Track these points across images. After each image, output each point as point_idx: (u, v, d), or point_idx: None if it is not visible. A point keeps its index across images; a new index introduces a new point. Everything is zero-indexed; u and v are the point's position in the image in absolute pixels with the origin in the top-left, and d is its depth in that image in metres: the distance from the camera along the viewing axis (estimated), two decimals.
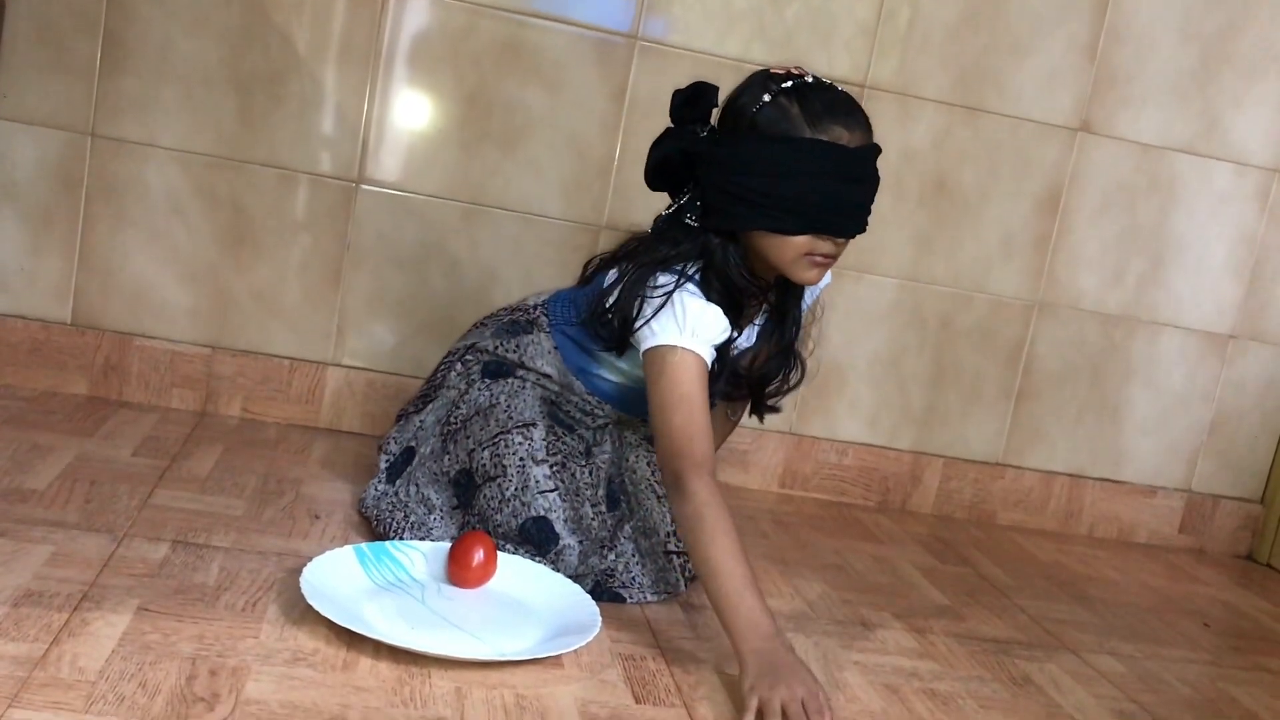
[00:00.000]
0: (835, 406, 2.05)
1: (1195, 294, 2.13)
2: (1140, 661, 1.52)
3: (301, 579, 1.18)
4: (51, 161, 1.78)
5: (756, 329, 1.50)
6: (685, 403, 1.31)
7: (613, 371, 1.50)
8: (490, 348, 1.54)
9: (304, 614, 1.15)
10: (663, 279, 1.35)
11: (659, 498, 1.44)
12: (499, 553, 1.33)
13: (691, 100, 1.37)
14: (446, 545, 1.34)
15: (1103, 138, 2.04)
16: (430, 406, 1.56)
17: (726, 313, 1.36)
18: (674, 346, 1.33)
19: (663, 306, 1.34)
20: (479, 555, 1.28)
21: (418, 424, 1.55)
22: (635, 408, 1.53)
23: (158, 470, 1.54)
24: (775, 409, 1.55)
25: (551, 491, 1.38)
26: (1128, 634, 1.63)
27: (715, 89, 1.37)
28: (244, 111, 1.80)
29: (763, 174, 1.30)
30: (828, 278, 1.54)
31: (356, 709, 1.01)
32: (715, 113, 1.38)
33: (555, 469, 1.40)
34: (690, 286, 1.35)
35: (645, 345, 1.35)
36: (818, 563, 1.68)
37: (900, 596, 1.60)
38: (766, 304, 1.47)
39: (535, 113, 1.87)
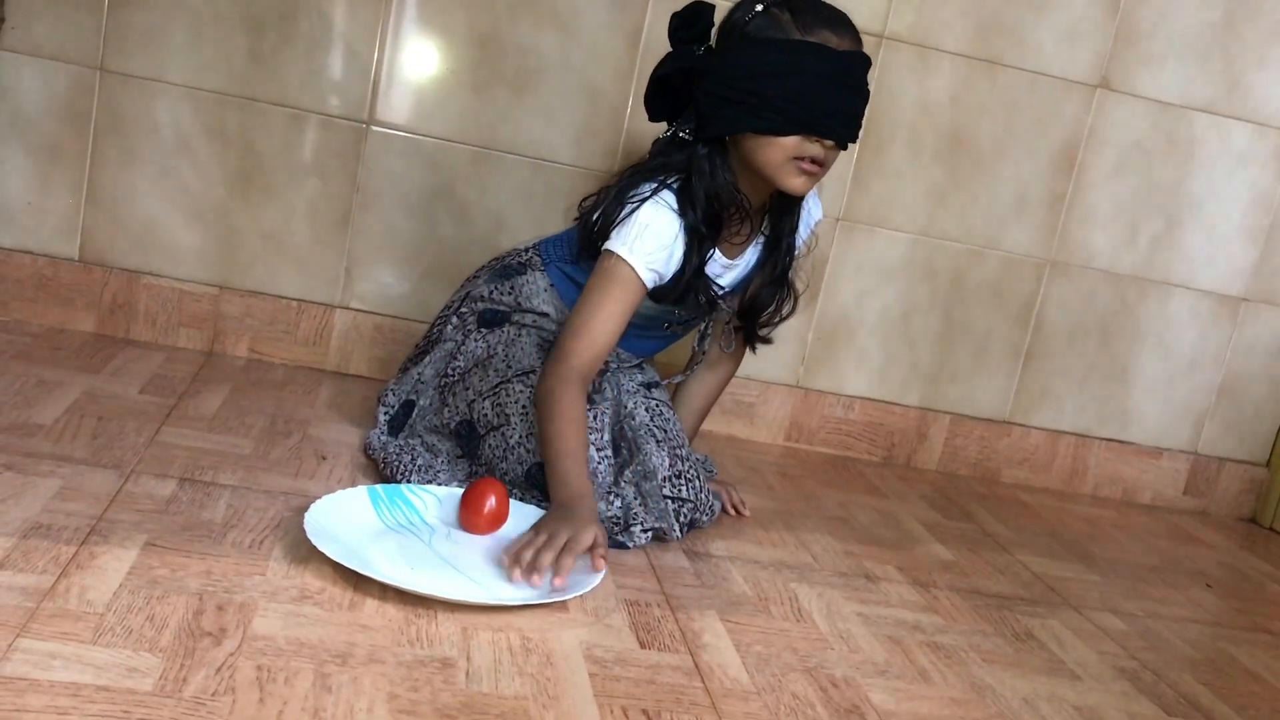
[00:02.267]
0: (843, 361, 2.05)
1: (1209, 256, 2.11)
2: (1142, 620, 1.53)
3: (306, 518, 1.19)
4: (60, 95, 1.76)
5: (753, 259, 1.51)
6: (598, 308, 1.38)
7: None
8: (485, 294, 1.55)
9: (310, 553, 1.16)
10: (644, 186, 1.40)
11: (658, 442, 1.44)
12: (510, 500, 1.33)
13: (688, 21, 1.40)
14: (459, 491, 1.34)
15: (1122, 95, 2.02)
16: (428, 359, 1.56)
17: (706, 227, 1.39)
18: (616, 254, 1.39)
19: (632, 212, 1.38)
20: (491, 501, 1.28)
21: (416, 377, 1.56)
22: (633, 342, 1.53)
23: (165, 408, 1.54)
24: (767, 340, 1.58)
25: None
26: (1130, 593, 1.63)
27: (711, 8, 1.40)
28: (254, 49, 1.78)
29: (752, 75, 1.33)
30: (819, 210, 1.57)
31: (362, 647, 1.02)
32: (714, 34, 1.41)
33: None
34: (665, 195, 1.39)
35: (605, 245, 1.41)
36: (822, 515, 1.68)
37: (904, 550, 1.60)
38: (761, 234, 1.49)
39: (548, 57, 1.85)
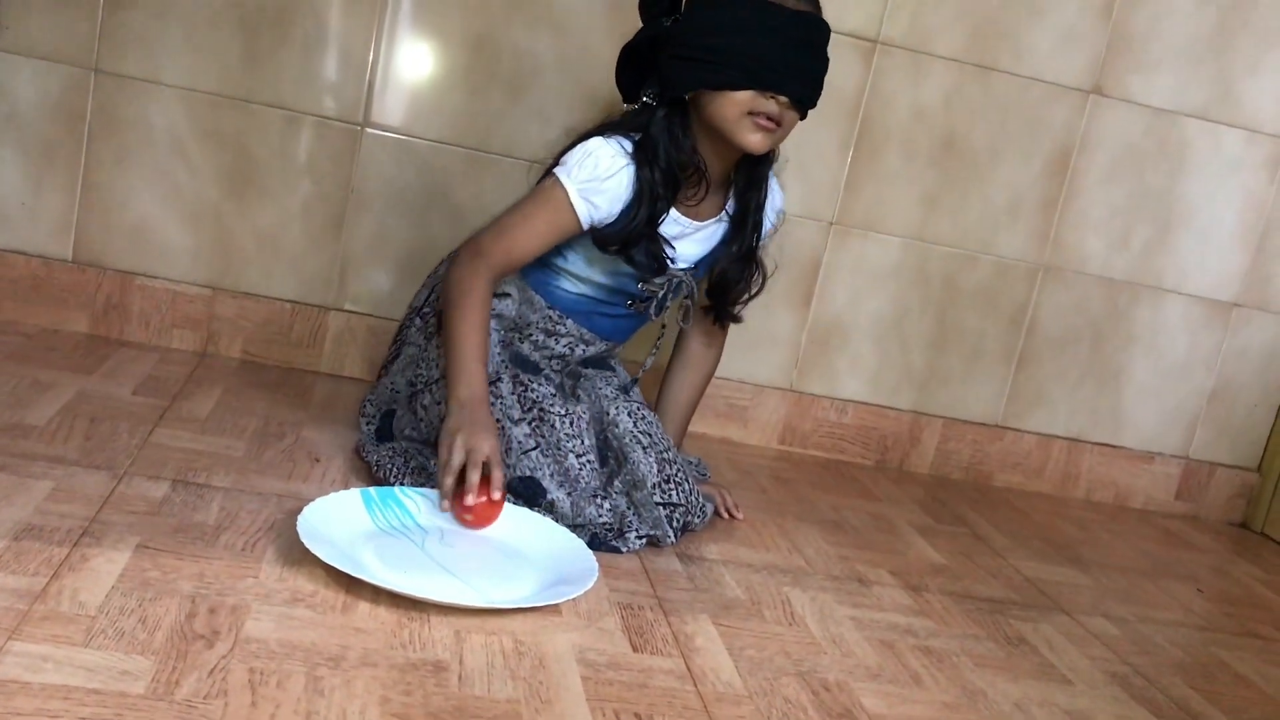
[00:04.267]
0: (836, 364, 2.05)
1: (1201, 261, 2.12)
2: (1133, 624, 1.53)
3: (299, 520, 1.19)
4: (54, 96, 1.76)
5: (718, 235, 1.52)
6: (524, 218, 1.41)
7: (572, 281, 1.52)
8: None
9: (303, 555, 1.16)
10: (594, 138, 1.43)
11: (644, 449, 1.44)
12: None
13: None
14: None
15: (1115, 100, 2.02)
16: (397, 364, 1.57)
17: (663, 186, 1.42)
18: (555, 175, 1.42)
19: (580, 143, 1.43)
20: (483, 496, 1.28)
21: (389, 386, 1.56)
22: (598, 321, 1.54)
23: (158, 409, 1.54)
24: (737, 318, 1.60)
25: (533, 449, 1.38)
26: (1121, 597, 1.63)
27: None
28: (249, 51, 1.78)
29: (709, 34, 1.37)
30: (780, 198, 1.58)
31: (355, 650, 1.02)
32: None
33: (534, 425, 1.40)
34: (622, 140, 1.42)
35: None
36: (815, 519, 1.69)
37: (897, 554, 1.60)
38: (726, 212, 1.51)
39: (543, 59, 1.85)
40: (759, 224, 1.53)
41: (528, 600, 1.16)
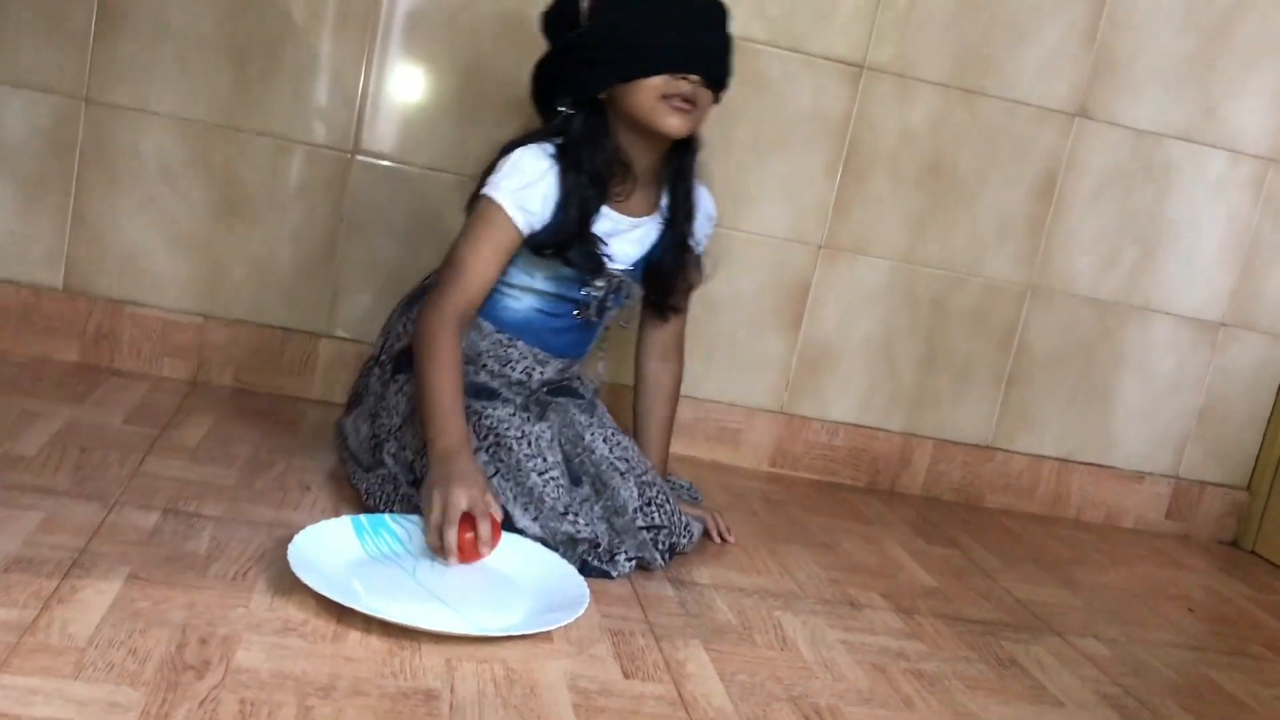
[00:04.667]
0: (827, 387, 2.06)
1: (1187, 281, 2.13)
2: (1125, 645, 1.53)
3: (289, 549, 1.19)
4: (45, 126, 1.77)
5: (654, 234, 1.55)
6: (470, 250, 1.44)
7: (516, 296, 1.53)
8: (399, 330, 1.58)
9: (294, 584, 1.16)
10: (516, 149, 1.47)
11: (622, 474, 1.44)
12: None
13: (557, 13, 1.50)
14: None
15: (1100, 123, 2.04)
16: (356, 411, 1.58)
17: (593, 188, 1.45)
18: (486, 195, 1.45)
19: (505, 156, 1.46)
20: (468, 533, 1.27)
21: (355, 430, 1.56)
22: (547, 340, 1.54)
23: (149, 438, 1.54)
24: (677, 308, 1.63)
25: (493, 476, 1.38)
26: (1113, 618, 1.64)
27: None
28: (239, 79, 1.79)
29: (613, 32, 1.43)
30: (711, 206, 1.62)
31: (347, 679, 1.02)
32: None
33: (491, 451, 1.39)
34: (545, 145, 1.46)
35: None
36: (807, 542, 1.69)
37: (888, 577, 1.60)
38: (660, 211, 1.54)
39: None
40: (690, 212, 1.56)
41: (519, 628, 1.16)
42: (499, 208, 1.44)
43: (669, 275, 1.57)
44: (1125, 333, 2.14)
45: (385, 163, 1.86)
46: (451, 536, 1.24)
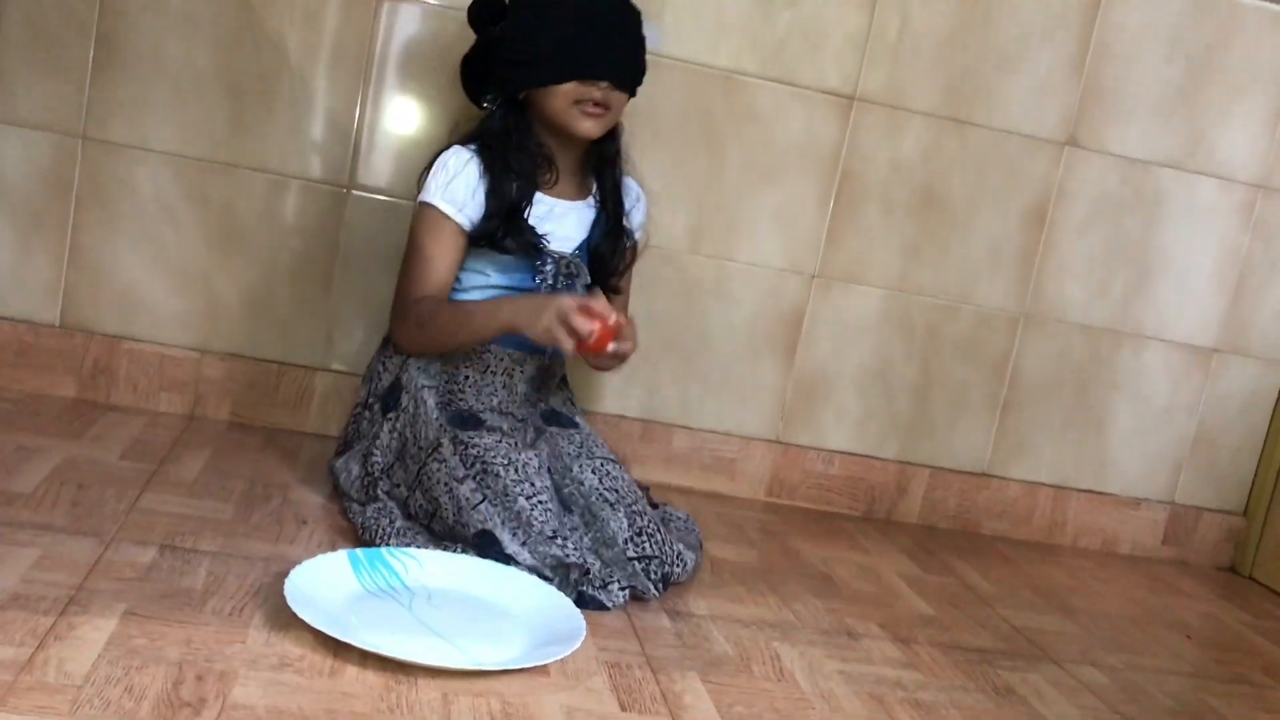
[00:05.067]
0: (822, 416, 2.06)
1: (1180, 307, 2.15)
2: (1122, 673, 1.53)
3: (286, 584, 1.19)
4: (42, 163, 1.78)
5: (589, 220, 1.60)
6: (418, 256, 1.53)
7: (477, 294, 1.56)
8: (379, 369, 1.60)
9: (291, 619, 1.16)
10: (444, 152, 1.54)
11: (611, 505, 1.45)
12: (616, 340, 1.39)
13: (482, 7, 1.55)
14: (439, 552, 1.35)
15: (1090, 152, 2.06)
16: (347, 455, 1.59)
17: (519, 179, 1.52)
18: (421, 201, 1.53)
19: (431, 163, 1.54)
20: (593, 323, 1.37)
21: (346, 471, 1.57)
22: (517, 335, 1.49)
23: (145, 473, 1.54)
24: (618, 290, 1.67)
25: (481, 503, 1.38)
26: (1110, 645, 1.64)
27: None
28: (235, 116, 1.81)
29: (528, 33, 1.49)
30: (642, 201, 1.69)
31: (343, 715, 1.01)
32: None
33: (478, 479, 1.40)
34: (468, 146, 1.53)
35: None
36: (804, 572, 1.69)
37: (885, 606, 1.60)
38: (592, 197, 1.61)
39: None
40: (620, 201, 1.62)
41: (515, 661, 1.16)
42: (433, 208, 1.52)
43: (607, 258, 1.63)
44: (1118, 359, 2.14)
45: (380, 197, 1.87)
46: (582, 323, 1.35)
